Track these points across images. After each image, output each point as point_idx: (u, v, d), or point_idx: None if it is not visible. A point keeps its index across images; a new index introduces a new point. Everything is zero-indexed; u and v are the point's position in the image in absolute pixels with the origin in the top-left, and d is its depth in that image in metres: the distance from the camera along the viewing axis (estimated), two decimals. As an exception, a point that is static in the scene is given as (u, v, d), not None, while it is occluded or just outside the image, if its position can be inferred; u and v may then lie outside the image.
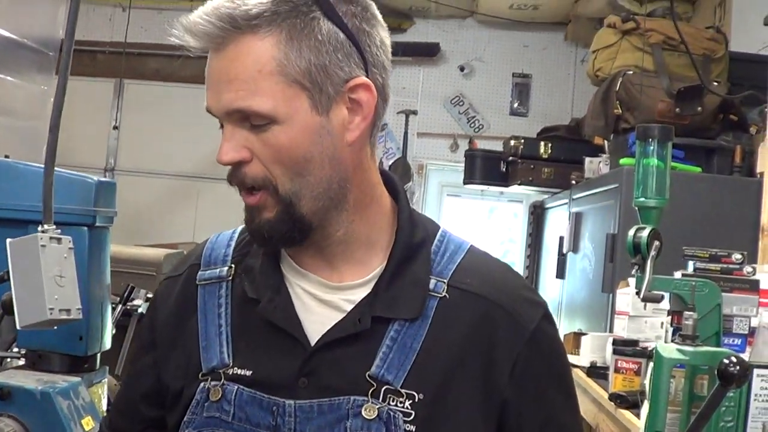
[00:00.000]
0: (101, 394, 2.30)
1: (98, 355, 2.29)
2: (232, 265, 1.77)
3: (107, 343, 2.32)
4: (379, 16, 1.67)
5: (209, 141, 9.03)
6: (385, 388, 1.59)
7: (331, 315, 1.65)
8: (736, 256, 2.87)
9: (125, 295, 3.40)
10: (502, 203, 8.84)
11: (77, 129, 7.65)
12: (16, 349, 2.38)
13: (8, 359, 2.42)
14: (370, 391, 1.58)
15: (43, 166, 2.25)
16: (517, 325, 1.66)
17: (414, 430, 1.57)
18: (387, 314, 1.63)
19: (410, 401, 1.58)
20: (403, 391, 1.59)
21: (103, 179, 2.32)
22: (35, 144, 4.86)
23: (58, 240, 1.83)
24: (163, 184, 9.03)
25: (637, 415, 2.99)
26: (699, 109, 5.02)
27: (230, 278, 1.75)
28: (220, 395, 1.63)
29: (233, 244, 1.81)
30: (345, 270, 1.69)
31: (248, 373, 1.64)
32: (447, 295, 1.66)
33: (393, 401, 1.58)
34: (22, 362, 2.29)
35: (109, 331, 2.32)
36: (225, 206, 8.77)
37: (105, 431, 1.92)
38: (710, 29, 5.69)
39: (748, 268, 2.85)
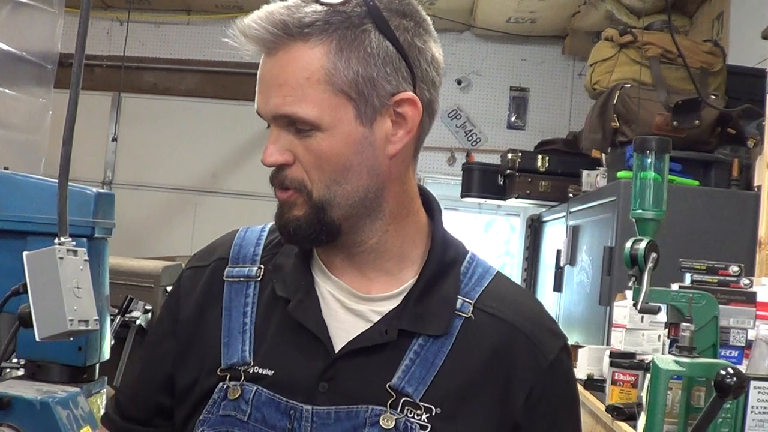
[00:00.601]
0: (100, 404, 2.30)
1: (97, 365, 2.30)
2: (262, 266, 1.77)
3: (106, 354, 2.32)
4: (434, 33, 1.70)
5: (207, 154, 9.07)
6: (404, 399, 1.60)
7: (357, 324, 1.66)
8: (733, 269, 2.88)
9: (124, 306, 3.41)
10: (500, 217, 8.85)
11: (75, 142, 7.62)
12: (15, 360, 2.39)
13: (8, 369, 2.43)
14: (389, 402, 1.59)
15: (42, 178, 2.27)
16: (537, 353, 1.68)
17: None
18: (414, 329, 1.64)
19: (427, 414, 1.59)
20: (421, 404, 1.60)
21: (101, 191, 2.32)
22: (33, 156, 4.86)
23: (74, 252, 1.83)
24: (160, 198, 9.04)
25: (634, 427, 3.00)
26: (696, 122, 5.03)
27: (259, 278, 1.75)
28: (238, 394, 1.63)
29: (262, 242, 1.81)
30: (375, 279, 1.71)
31: (270, 372, 1.64)
32: (472, 316, 1.68)
33: (411, 413, 1.59)
34: (21, 372, 2.30)
35: (107, 342, 2.32)
36: (223, 219, 8.82)
37: (112, 415, 1.89)
38: (708, 42, 5.70)
39: (745, 281, 2.86)
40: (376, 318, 1.67)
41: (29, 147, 4.91)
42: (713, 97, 5.24)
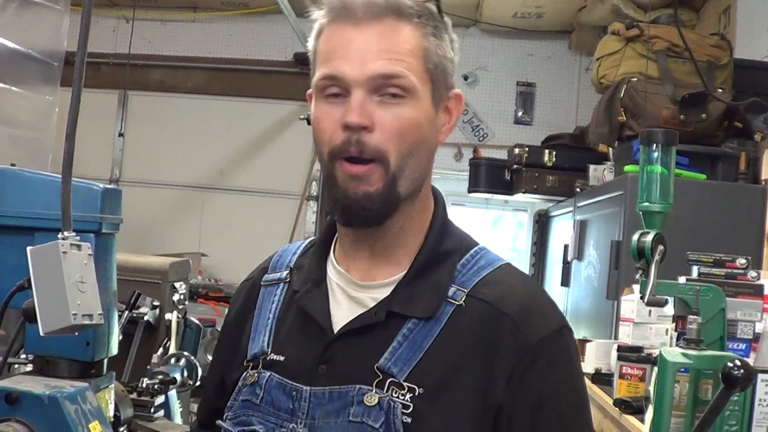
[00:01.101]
0: (108, 399, 2.31)
1: (105, 360, 2.30)
2: (293, 269, 1.90)
3: (114, 349, 2.32)
4: None
5: (214, 151, 9.07)
6: (389, 380, 1.67)
7: (356, 310, 1.76)
8: (741, 261, 2.88)
9: (131, 302, 3.41)
10: (507, 212, 8.85)
11: (82, 140, 7.59)
12: (24, 356, 2.40)
13: (16, 365, 2.44)
14: (375, 382, 1.67)
15: (49, 174, 2.27)
16: (520, 335, 1.70)
17: (410, 422, 1.64)
18: (402, 311, 1.72)
19: (411, 394, 1.66)
20: (405, 384, 1.66)
21: (108, 186, 2.33)
22: (40, 154, 4.87)
23: (78, 246, 1.84)
24: (168, 195, 9.05)
25: (642, 421, 3.00)
26: (703, 115, 5.02)
27: (287, 280, 1.89)
28: (254, 380, 1.77)
29: (299, 252, 1.95)
30: (382, 267, 1.79)
31: (281, 358, 1.77)
32: (464, 304, 1.73)
33: (395, 393, 1.66)
34: (29, 368, 2.30)
35: (115, 337, 2.33)
36: (230, 216, 8.82)
37: (193, 426, 2.14)
38: (715, 36, 5.69)
39: (752, 273, 2.86)
40: (372, 304, 1.75)
41: (36, 144, 4.91)
42: (720, 90, 5.23)
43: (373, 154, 1.66)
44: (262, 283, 1.93)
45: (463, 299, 1.73)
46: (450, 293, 1.73)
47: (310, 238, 1.99)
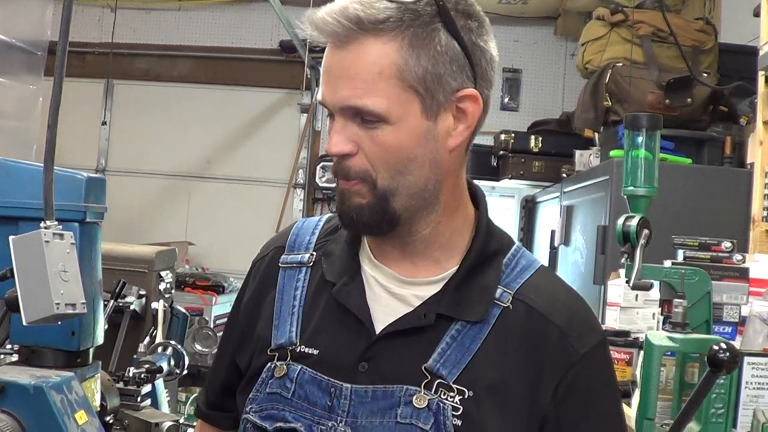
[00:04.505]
0: (94, 388, 2.30)
1: (91, 350, 2.29)
2: (314, 253, 1.86)
3: (99, 338, 2.32)
4: (492, 33, 1.74)
5: (200, 140, 9.05)
6: (438, 381, 1.66)
7: (399, 307, 1.74)
8: (726, 245, 2.88)
9: (117, 291, 3.40)
10: (494, 198, 8.84)
11: (67, 130, 7.58)
12: (9, 346, 2.39)
13: (1, 355, 2.43)
14: (424, 383, 1.66)
15: (33, 164, 2.26)
16: (568, 347, 1.72)
17: (460, 424, 1.63)
18: (452, 314, 1.71)
19: (460, 397, 1.65)
20: (454, 386, 1.66)
21: (92, 175, 2.32)
22: (25, 143, 4.86)
23: (61, 236, 1.84)
24: (154, 184, 9.04)
25: (629, 405, 3.00)
26: (689, 100, 5.03)
27: (311, 264, 1.85)
28: (283, 372, 1.73)
29: (318, 232, 1.91)
30: (421, 266, 1.77)
31: (314, 352, 1.73)
32: (511, 306, 1.73)
33: (444, 395, 1.65)
34: (15, 358, 2.30)
35: (101, 327, 2.32)
36: (217, 204, 8.80)
37: (200, 406, 2.09)
38: (699, 21, 5.70)
39: (738, 256, 2.85)
40: (417, 302, 1.73)
41: (20, 134, 4.90)
42: (705, 75, 5.24)
43: (357, 176, 1.66)
44: (280, 264, 1.88)
45: (509, 301, 1.73)
46: (497, 295, 1.73)
47: (327, 215, 1.96)
